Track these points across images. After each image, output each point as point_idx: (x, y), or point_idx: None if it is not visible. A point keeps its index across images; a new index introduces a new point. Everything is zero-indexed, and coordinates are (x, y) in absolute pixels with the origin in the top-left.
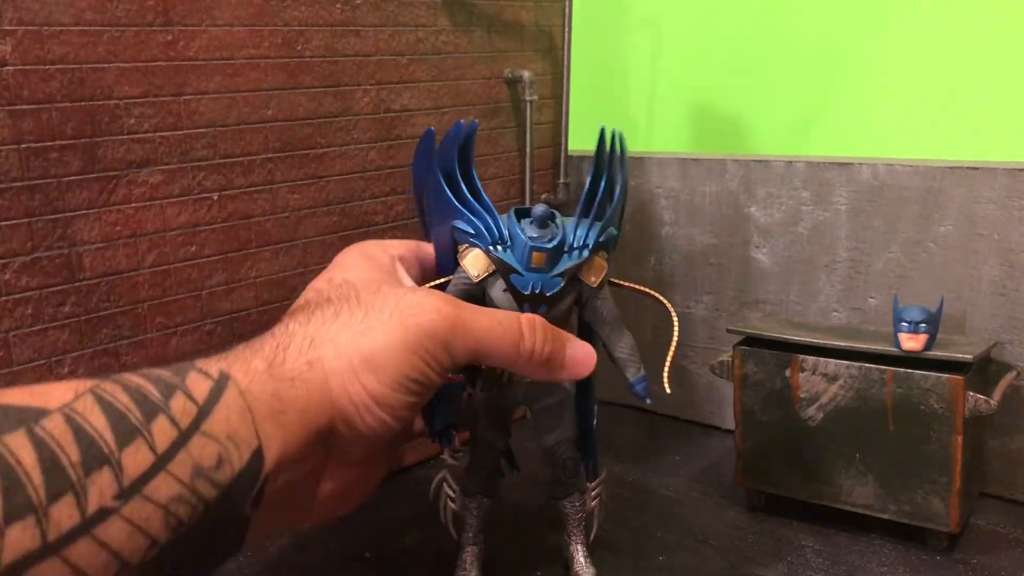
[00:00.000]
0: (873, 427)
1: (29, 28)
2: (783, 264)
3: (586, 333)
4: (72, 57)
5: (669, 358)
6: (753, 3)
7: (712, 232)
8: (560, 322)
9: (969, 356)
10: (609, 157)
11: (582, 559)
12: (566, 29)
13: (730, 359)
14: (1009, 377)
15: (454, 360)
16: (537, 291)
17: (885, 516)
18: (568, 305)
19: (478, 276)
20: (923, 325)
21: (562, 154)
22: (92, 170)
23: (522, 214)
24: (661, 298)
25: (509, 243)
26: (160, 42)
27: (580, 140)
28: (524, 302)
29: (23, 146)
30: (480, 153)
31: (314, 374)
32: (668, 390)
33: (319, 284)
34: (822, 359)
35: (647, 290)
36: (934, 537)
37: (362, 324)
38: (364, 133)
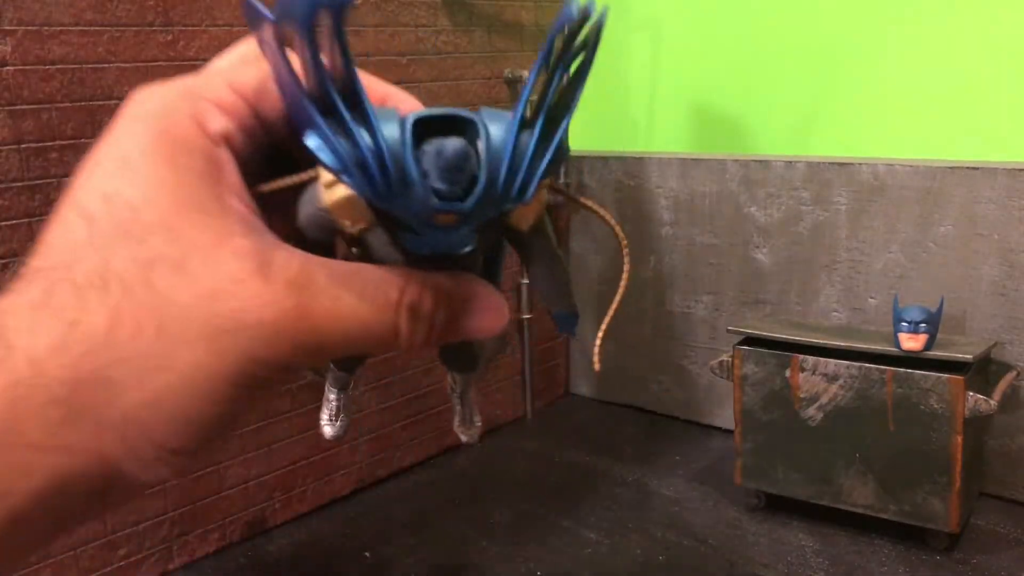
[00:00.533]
0: (873, 427)
1: (29, 28)
2: (783, 264)
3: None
4: (72, 57)
5: (607, 319)
6: (754, 3)
7: (712, 232)
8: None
9: (969, 356)
10: (573, 28)
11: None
12: (566, 28)
13: (730, 359)
14: (1009, 377)
15: (295, 370)
16: (440, 252)
17: (885, 516)
18: (485, 253)
19: (351, 226)
20: (923, 325)
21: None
22: None
23: (424, 125)
24: (610, 219)
25: (400, 185)
26: (160, 42)
27: (580, 140)
28: (420, 262)
29: (23, 146)
30: None
31: (70, 435)
32: (597, 366)
33: (76, 226)
34: (822, 359)
35: (593, 206)
36: (934, 537)
37: (153, 348)
38: None
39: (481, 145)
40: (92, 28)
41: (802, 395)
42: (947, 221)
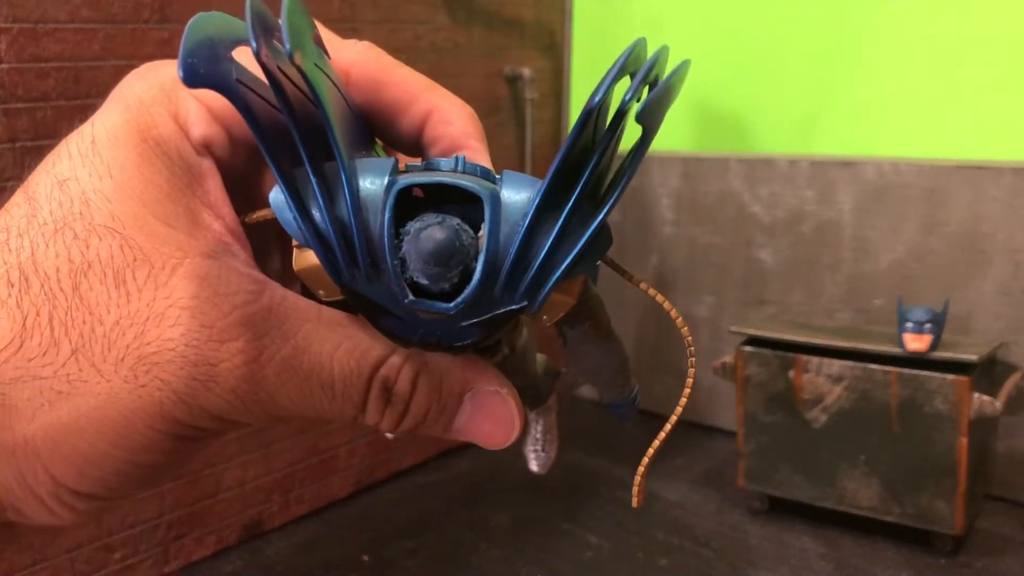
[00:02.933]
0: (877, 429)
1: (24, 25)
2: (786, 264)
3: None
4: (67, 55)
5: (653, 449)
6: (756, 1)
7: (715, 231)
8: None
9: (974, 357)
10: (635, 90)
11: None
12: (567, 26)
13: (733, 360)
14: (1015, 378)
15: (234, 426)
16: (432, 340)
17: (890, 519)
18: (497, 338)
19: (325, 296)
20: (928, 325)
21: None
22: None
23: (416, 195)
24: (672, 311)
25: (371, 270)
26: (156, 39)
27: None
28: (410, 345)
29: (18, 144)
30: None
31: None
32: (636, 502)
33: (18, 210)
34: (826, 360)
35: (651, 291)
36: (939, 540)
37: (65, 369)
38: None
39: (485, 228)
40: (88, 25)
41: (806, 396)
42: (952, 221)
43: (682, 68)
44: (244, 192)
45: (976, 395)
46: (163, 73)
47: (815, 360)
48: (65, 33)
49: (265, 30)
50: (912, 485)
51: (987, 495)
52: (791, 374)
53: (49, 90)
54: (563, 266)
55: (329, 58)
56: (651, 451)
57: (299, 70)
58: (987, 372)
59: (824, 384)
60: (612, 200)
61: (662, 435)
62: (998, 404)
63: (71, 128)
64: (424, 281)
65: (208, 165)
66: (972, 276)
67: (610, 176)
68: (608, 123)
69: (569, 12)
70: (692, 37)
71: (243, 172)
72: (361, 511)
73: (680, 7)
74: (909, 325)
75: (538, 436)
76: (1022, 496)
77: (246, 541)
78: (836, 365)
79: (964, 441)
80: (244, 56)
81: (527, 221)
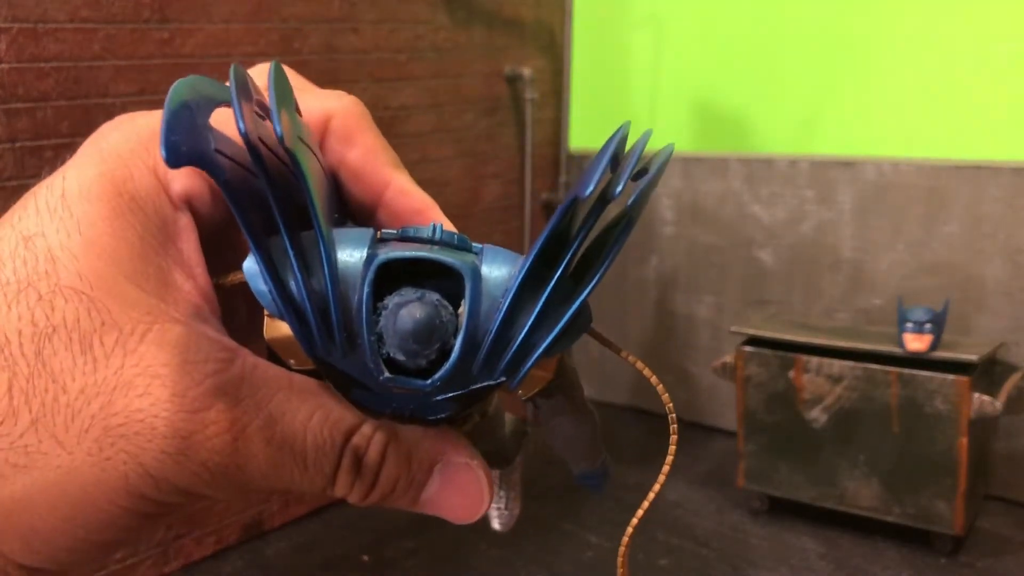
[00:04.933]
0: (877, 429)
1: (24, 25)
2: (786, 264)
3: None
4: (67, 55)
5: (634, 522)
6: (756, 0)
7: (715, 232)
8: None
9: (974, 357)
10: (614, 168)
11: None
12: (567, 26)
13: (733, 360)
14: (1015, 378)
15: (201, 500)
16: (405, 413)
17: (890, 519)
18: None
19: (295, 366)
20: (928, 325)
21: (562, 152)
22: None
23: (395, 269)
24: (654, 379)
25: (346, 344)
26: (156, 39)
27: (581, 138)
28: (381, 417)
29: (17, 145)
30: (479, 151)
31: None
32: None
33: None
34: (826, 360)
35: (633, 360)
36: (939, 540)
37: (22, 441)
38: None
39: (465, 306)
40: (87, 25)
41: (806, 396)
42: (952, 220)
43: (665, 155)
44: (217, 246)
45: (976, 395)
46: (140, 124)
47: (815, 360)
48: (65, 33)
49: (248, 99)
50: (912, 485)
51: (987, 495)
52: (791, 374)
53: (49, 90)
54: (544, 344)
55: (300, 115)
56: (630, 528)
57: (286, 151)
58: (987, 372)
59: (824, 384)
60: (594, 281)
61: (641, 510)
62: (998, 404)
63: (70, 128)
64: (401, 357)
65: (185, 222)
66: (972, 276)
67: (590, 253)
68: (590, 208)
69: (569, 12)
70: (692, 37)
71: (219, 224)
72: (361, 511)
73: (680, 7)
74: (909, 325)
75: (501, 494)
76: (1022, 496)
77: (246, 541)
78: (836, 365)
79: (964, 441)
80: (218, 116)
81: (508, 299)
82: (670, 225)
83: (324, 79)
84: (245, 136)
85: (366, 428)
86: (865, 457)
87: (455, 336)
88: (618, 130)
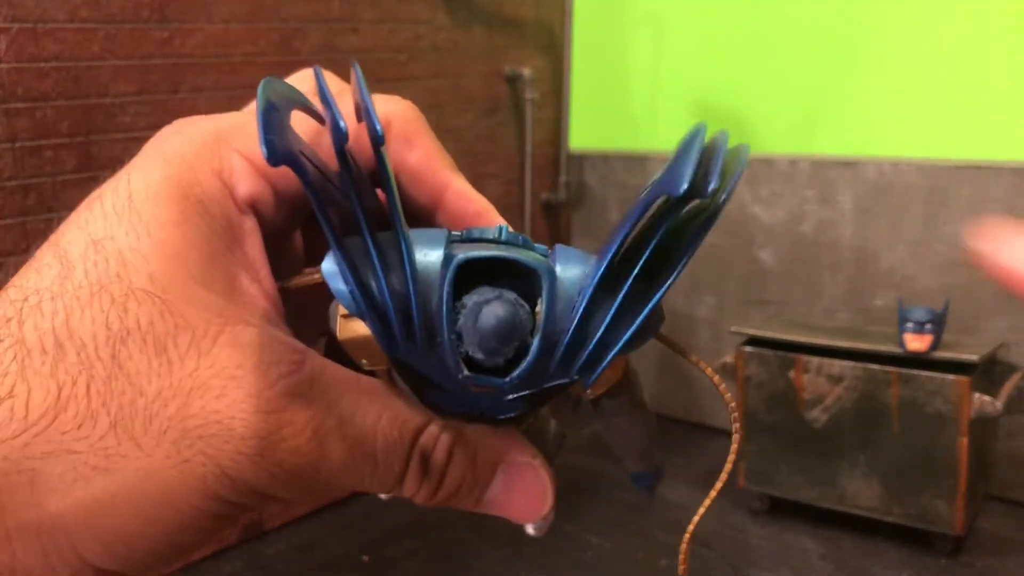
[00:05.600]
0: (878, 429)
1: (24, 25)
2: (787, 264)
3: None
4: (67, 55)
5: (699, 514)
6: (756, 0)
7: (715, 231)
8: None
9: (975, 357)
10: (699, 174)
11: None
12: (567, 26)
13: (733, 360)
14: (1015, 378)
15: (273, 502)
16: (477, 414)
17: (890, 519)
18: (539, 409)
19: (367, 366)
20: (929, 325)
21: (562, 152)
22: (87, 169)
23: (473, 268)
24: (719, 384)
25: (426, 344)
26: (156, 39)
27: (581, 138)
28: (451, 416)
29: (17, 145)
30: (479, 151)
31: None
32: (682, 569)
33: (47, 270)
34: (826, 360)
35: (700, 364)
36: (940, 540)
37: (102, 443)
38: None
39: (542, 304)
40: (87, 25)
41: (806, 397)
42: (953, 220)
43: (746, 152)
44: (278, 250)
45: (976, 395)
46: (203, 128)
47: (815, 360)
48: (65, 33)
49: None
50: (912, 485)
51: (987, 495)
52: (791, 374)
53: (49, 90)
54: (620, 344)
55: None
56: (696, 518)
57: (376, 152)
58: (987, 372)
59: (824, 384)
60: (670, 281)
61: (709, 499)
62: (998, 404)
63: (69, 128)
64: (480, 356)
65: (250, 225)
66: (973, 276)
67: (664, 253)
68: (671, 205)
69: (569, 12)
70: (692, 37)
71: (281, 229)
72: (361, 511)
73: (680, 7)
74: (909, 325)
75: None
76: (1022, 496)
77: (246, 541)
78: (836, 365)
79: (964, 441)
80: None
81: (586, 298)
82: None
83: None
84: (343, 138)
85: (433, 428)
86: (865, 457)
87: (532, 335)
88: (697, 128)
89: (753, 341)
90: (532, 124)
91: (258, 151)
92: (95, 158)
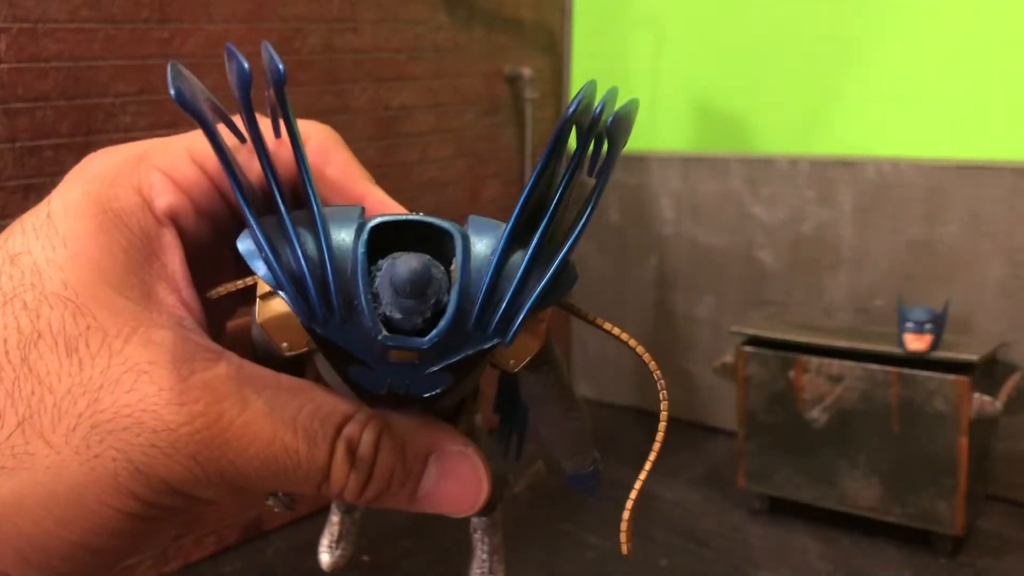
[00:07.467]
0: (878, 429)
1: (24, 25)
2: (787, 264)
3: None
4: (67, 55)
5: (636, 490)
6: (756, 0)
7: (715, 232)
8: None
9: (975, 357)
10: (587, 131)
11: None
12: (567, 26)
13: (733, 360)
14: (1015, 378)
15: (199, 499)
16: (400, 392)
17: (890, 519)
18: (464, 391)
19: (288, 349)
20: (928, 325)
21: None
22: None
23: (387, 234)
24: (639, 349)
25: (344, 310)
26: (156, 39)
27: None
28: (376, 402)
29: (17, 144)
30: (479, 151)
31: None
32: (625, 549)
33: None
34: (826, 360)
35: (613, 330)
36: (939, 540)
37: (9, 443)
38: (362, 131)
39: (456, 264)
40: (87, 25)
41: (806, 397)
42: (953, 220)
43: (631, 110)
44: (204, 266)
45: (976, 395)
46: (126, 151)
47: (815, 360)
48: (65, 33)
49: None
50: (912, 485)
51: (988, 495)
52: (791, 374)
53: (49, 90)
54: (532, 298)
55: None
56: (634, 493)
57: (290, 130)
58: (987, 372)
59: (824, 384)
60: (575, 235)
61: (642, 475)
62: (998, 404)
63: (69, 128)
64: (398, 315)
65: (169, 238)
66: (973, 276)
67: (572, 213)
68: (565, 171)
69: (569, 12)
70: (692, 37)
71: (205, 244)
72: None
73: (680, 7)
74: (909, 325)
75: (484, 558)
76: (1022, 496)
77: (246, 542)
78: (836, 365)
79: (964, 441)
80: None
81: (497, 255)
82: (670, 225)
83: (324, 79)
84: (247, 77)
85: (359, 417)
86: (865, 457)
87: (448, 293)
88: (580, 90)
89: (753, 341)
90: (532, 124)
91: (179, 166)
92: None
